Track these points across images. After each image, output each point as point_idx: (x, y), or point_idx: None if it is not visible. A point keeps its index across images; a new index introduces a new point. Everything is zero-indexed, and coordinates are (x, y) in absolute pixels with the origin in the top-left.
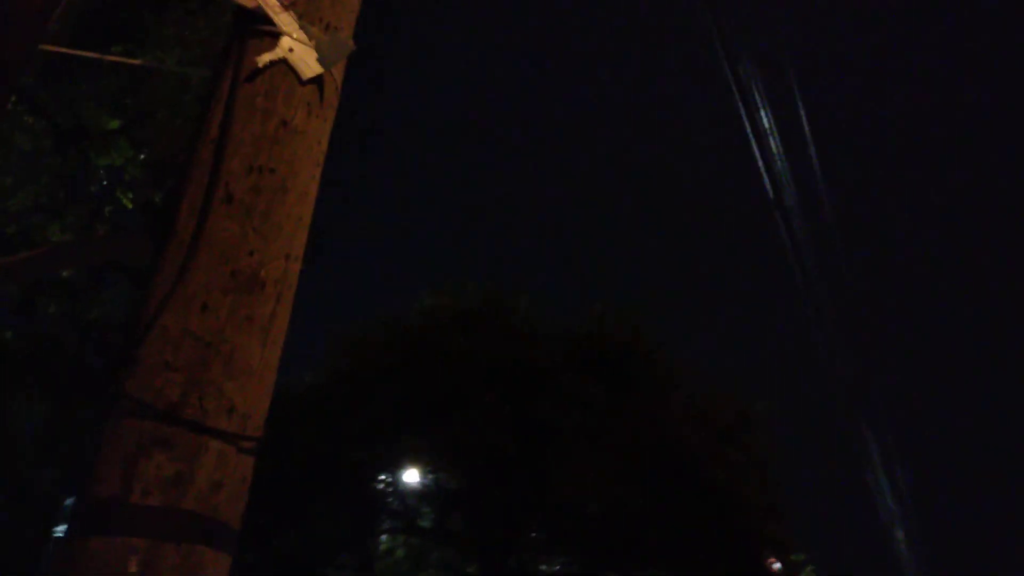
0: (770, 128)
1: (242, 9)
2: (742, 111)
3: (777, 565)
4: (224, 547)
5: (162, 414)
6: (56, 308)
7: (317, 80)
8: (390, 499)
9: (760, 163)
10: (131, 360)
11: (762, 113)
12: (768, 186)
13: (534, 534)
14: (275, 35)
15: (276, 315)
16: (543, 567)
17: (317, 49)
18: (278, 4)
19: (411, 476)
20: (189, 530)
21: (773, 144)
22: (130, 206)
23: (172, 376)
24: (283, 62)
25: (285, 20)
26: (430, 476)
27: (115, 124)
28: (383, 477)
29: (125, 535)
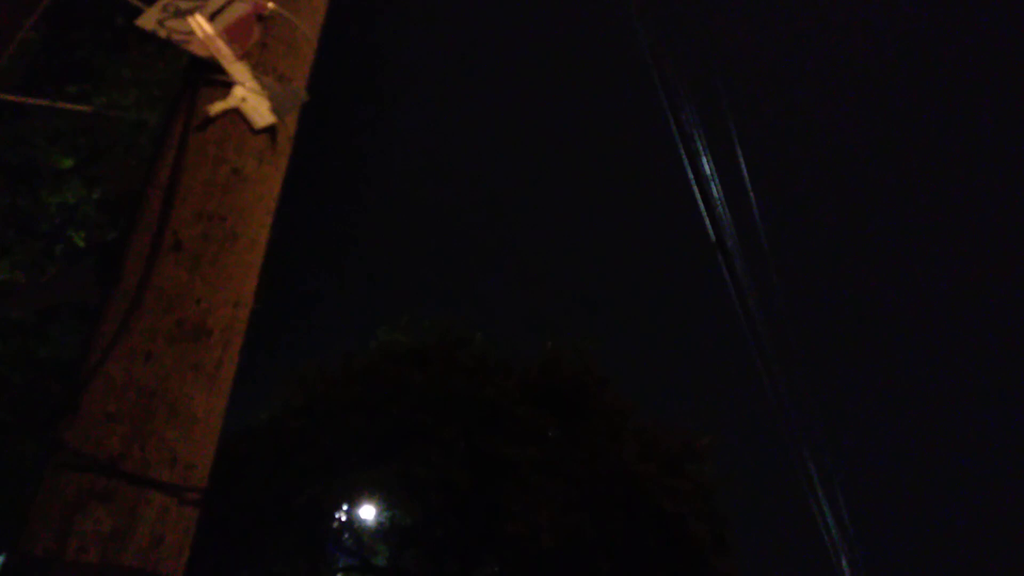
0: (711, 173)
1: (196, 59)
2: (684, 158)
3: None
4: None
5: (102, 466)
6: (2, 346)
7: (270, 129)
8: (345, 537)
9: (702, 207)
10: (72, 409)
11: (703, 159)
12: (710, 228)
13: (488, 568)
14: (228, 84)
15: (223, 363)
16: None
17: (271, 99)
18: (232, 54)
19: (367, 512)
20: None
21: (715, 189)
22: (82, 244)
23: (114, 427)
24: (236, 111)
25: (239, 70)
26: (385, 512)
27: (68, 163)
28: (338, 515)
29: None
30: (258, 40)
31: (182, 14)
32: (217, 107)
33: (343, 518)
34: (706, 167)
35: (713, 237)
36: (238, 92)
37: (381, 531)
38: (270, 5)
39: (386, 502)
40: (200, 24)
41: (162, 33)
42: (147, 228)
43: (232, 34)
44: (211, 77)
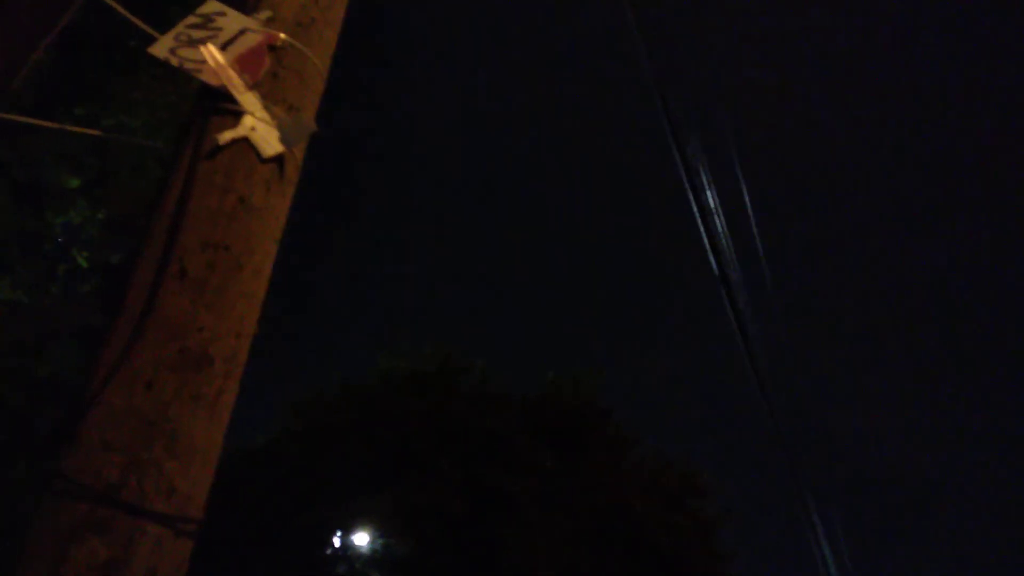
0: (715, 207)
1: (206, 87)
2: (688, 191)
3: None
4: None
5: (98, 496)
6: (1, 365)
7: (278, 159)
8: (339, 564)
9: (706, 240)
10: (71, 437)
11: (708, 193)
12: (713, 261)
13: None
14: (238, 114)
15: (223, 392)
16: None
17: (279, 129)
18: (242, 84)
19: (361, 539)
20: None
21: (719, 222)
22: (85, 265)
23: (112, 456)
24: (245, 140)
25: (248, 100)
26: (380, 540)
27: (75, 183)
28: (332, 541)
29: None
30: (269, 70)
31: (194, 43)
32: (226, 136)
33: (337, 544)
34: (710, 200)
35: (716, 269)
36: (247, 122)
37: (375, 559)
38: (282, 36)
39: (381, 530)
40: (212, 53)
41: (174, 61)
42: (152, 255)
43: (243, 64)
44: (221, 106)
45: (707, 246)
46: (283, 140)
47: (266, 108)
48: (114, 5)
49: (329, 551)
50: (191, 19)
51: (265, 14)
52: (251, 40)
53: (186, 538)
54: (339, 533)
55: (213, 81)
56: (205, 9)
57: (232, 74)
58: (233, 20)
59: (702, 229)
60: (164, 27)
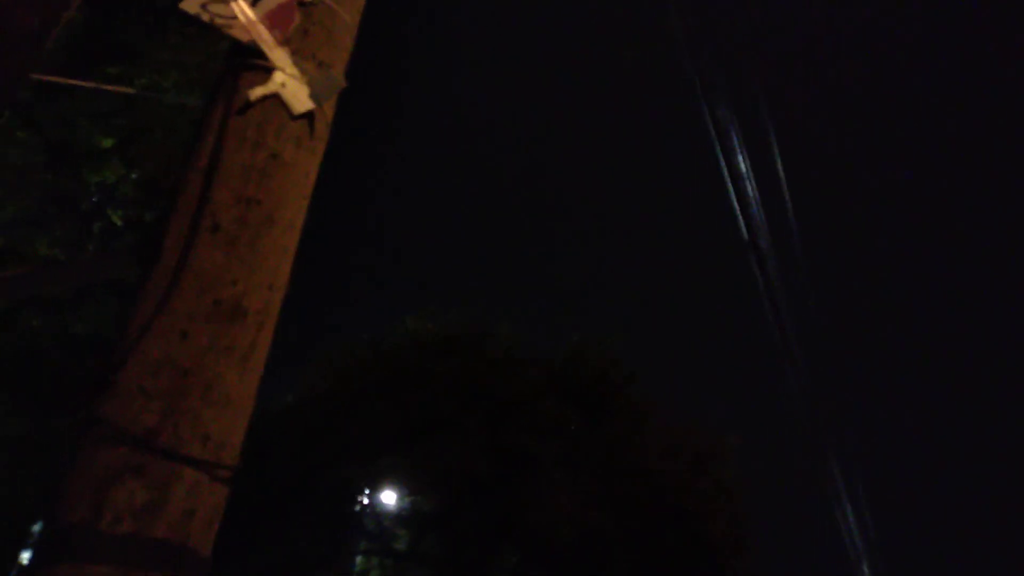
0: (747, 172)
1: (237, 43)
2: (720, 155)
3: None
4: (195, 574)
5: (136, 441)
6: (40, 321)
7: (308, 115)
8: (366, 520)
9: (736, 205)
10: (108, 385)
11: (739, 157)
12: (743, 227)
13: (508, 559)
14: (268, 70)
15: (256, 345)
16: None
17: (309, 85)
18: (272, 40)
19: (388, 498)
20: (159, 558)
21: (749, 187)
22: (120, 224)
23: (148, 403)
24: (275, 96)
25: (279, 56)
26: (406, 498)
27: (109, 142)
28: (360, 499)
29: (93, 562)
30: (299, 26)
31: None
32: (257, 92)
33: (365, 501)
34: (742, 165)
35: (746, 236)
36: (278, 78)
37: (402, 516)
38: None
39: (407, 488)
40: (242, 9)
41: (205, 17)
42: (186, 210)
43: (273, 20)
44: (252, 62)
45: (737, 212)
46: (313, 96)
47: (296, 64)
48: None
49: (357, 508)
50: None
51: None
52: None
53: (222, 484)
54: (367, 491)
55: (243, 37)
56: None
57: (262, 30)
58: None
59: (732, 194)
60: None
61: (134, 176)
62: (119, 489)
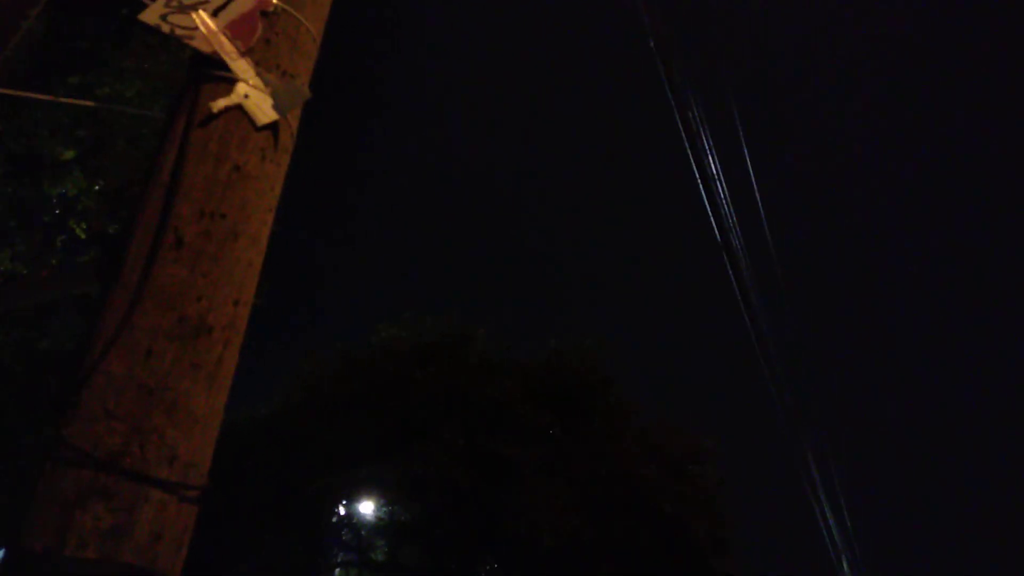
0: (717, 173)
1: (199, 54)
2: (691, 157)
3: None
4: None
5: (101, 463)
6: (3, 337)
7: (272, 126)
8: (343, 531)
9: (707, 206)
10: (71, 406)
11: (709, 158)
12: (715, 228)
13: (488, 567)
14: (231, 81)
15: (223, 360)
16: None
17: (273, 96)
18: (235, 51)
19: (365, 508)
20: None
21: (720, 188)
22: (83, 236)
23: (113, 424)
24: (238, 108)
25: (241, 66)
26: (384, 508)
27: (70, 154)
28: (336, 510)
29: None
30: (261, 36)
31: (185, 9)
32: (219, 104)
33: (342, 512)
34: (712, 166)
35: (719, 237)
36: (241, 89)
37: (380, 527)
38: (274, 1)
39: (385, 498)
40: (203, 20)
41: (165, 28)
42: (148, 225)
43: (236, 30)
44: (214, 73)
45: (709, 213)
46: (276, 107)
47: (259, 75)
48: None
49: (334, 519)
50: None
51: None
52: (243, 5)
53: (190, 504)
54: (344, 502)
55: (205, 48)
56: None
57: (224, 40)
58: None
59: (704, 195)
60: None
61: (97, 188)
62: (84, 513)
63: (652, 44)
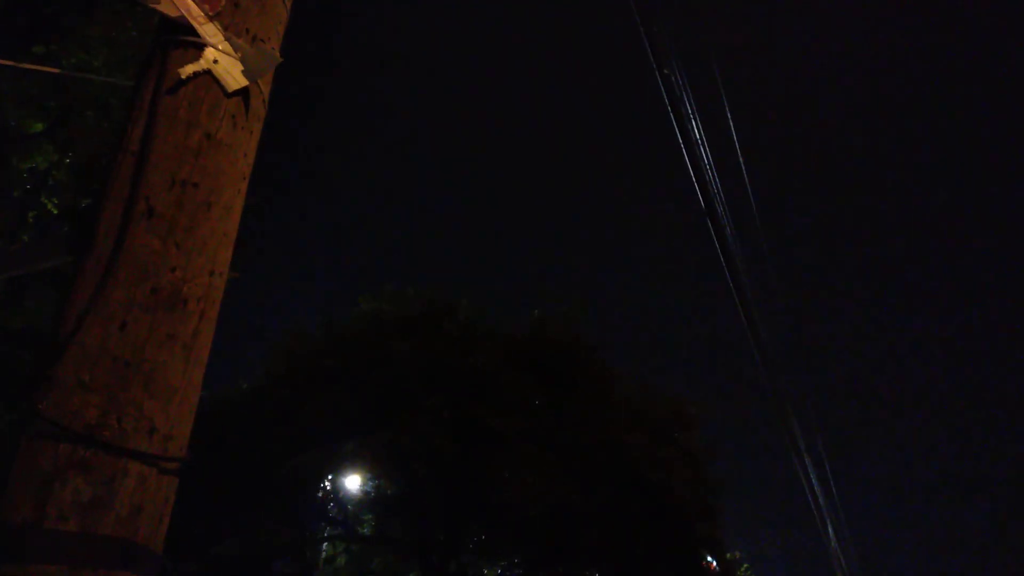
0: (700, 138)
1: (166, 19)
2: (673, 122)
3: (714, 564)
4: (145, 571)
5: (79, 436)
6: None
7: (243, 92)
8: (330, 506)
9: (691, 172)
10: (46, 379)
11: (692, 123)
12: (699, 195)
13: (475, 537)
14: (199, 46)
15: (199, 332)
16: (485, 570)
17: (243, 61)
18: (203, 15)
19: (352, 482)
20: (108, 555)
21: (704, 153)
22: (55, 211)
23: (89, 397)
24: (207, 73)
25: (210, 31)
26: (370, 482)
27: (39, 127)
28: (322, 485)
29: (40, 562)
30: (230, 0)
31: None
32: (188, 69)
33: (328, 486)
34: (695, 131)
35: (702, 202)
36: (209, 54)
37: (367, 500)
38: None
39: (371, 471)
40: None
41: None
42: (119, 195)
43: None
44: (181, 39)
45: (692, 177)
46: (247, 72)
47: (228, 40)
48: None
49: (320, 494)
50: None
51: None
52: None
53: (170, 476)
54: (329, 476)
55: (171, 12)
56: None
57: (191, 4)
58: None
59: (687, 160)
60: None
61: (68, 160)
62: (63, 486)
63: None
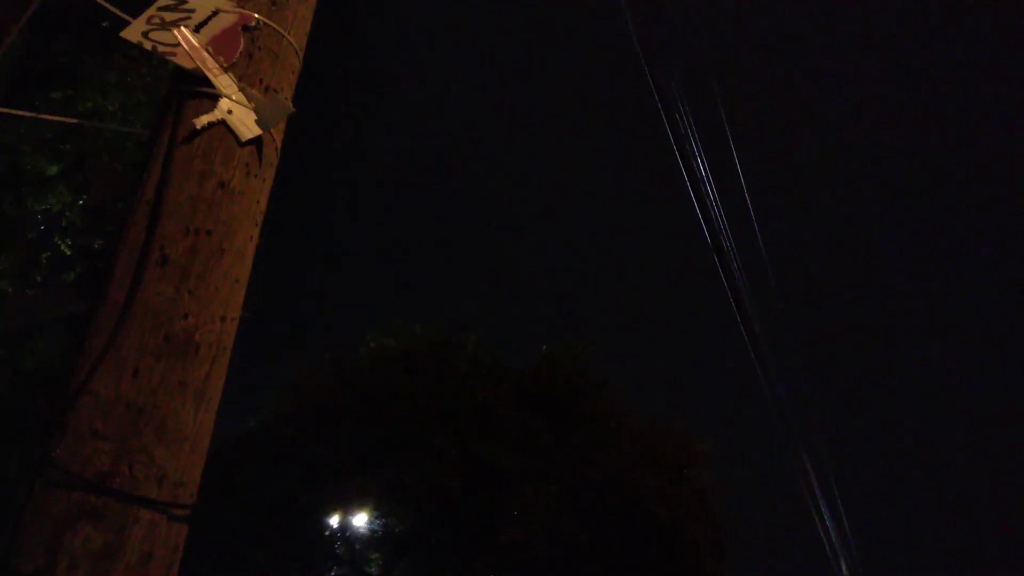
0: (706, 175)
1: (181, 70)
2: (679, 159)
3: None
4: None
5: (90, 484)
6: None
7: (256, 141)
8: (337, 545)
9: (696, 208)
10: (59, 427)
11: (698, 161)
12: (705, 230)
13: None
14: (214, 97)
15: (210, 378)
16: None
17: (256, 111)
18: (217, 66)
19: (359, 520)
20: None
21: (709, 190)
22: (68, 252)
23: (101, 444)
24: (221, 124)
25: (224, 82)
26: (378, 520)
27: (54, 169)
28: (329, 523)
29: None
30: (244, 51)
31: (167, 26)
32: (202, 120)
33: (335, 525)
34: (700, 168)
35: (709, 239)
36: (224, 104)
37: (374, 539)
38: (256, 16)
39: (378, 510)
40: (185, 36)
41: (147, 45)
42: (134, 243)
43: (218, 46)
44: (197, 89)
45: (698, 215)
46: (260, 122)
47: (242, 90)
48: None
49: (327, 532)
50: (163, 1)
51: None
52: (225, 21)
53: (180, 523)
54: (336, 515)
55: (187, 64)
56: None
57: (206, 56)
58: (206, 1)
59: (693, 197)
60: (137, 9)
61: (81, 202)
62: (74, 534)
63: (636, 45)
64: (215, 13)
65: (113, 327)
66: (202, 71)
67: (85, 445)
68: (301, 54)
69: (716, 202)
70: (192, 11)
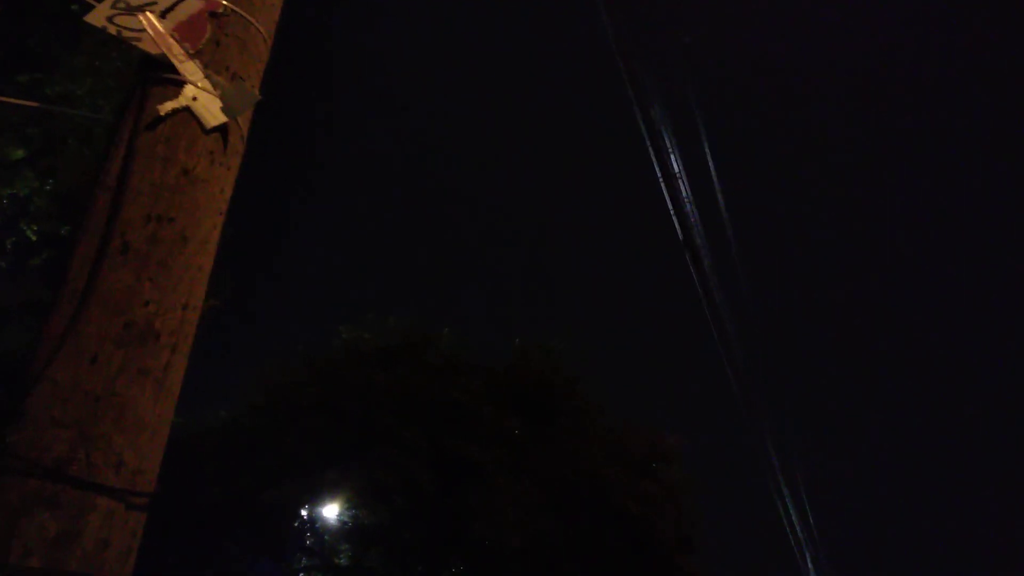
0: (679, 171)
1: (147, 56)
2: (652, 155)
3: None
4: None
5: (47, 471)
6: None
7: (221, 128)
8: (307, 536)
9: (670, 205)
10: (17, 414)
11: (671, 157)
12: (678, 227)
13: (454, 569)
14: (179, 83)
15: (171, 366)
16: None
17: (222, 98)
18: (183, 52)
19: (329, 512)
20: None
21: (683, 187)
22: (34, 238)
23: (59, 432)
24: (186, 110)
25: (190, 68)
26: (348, 513)
27: (20, 154)
28: (300, 514)
29: None
30: (211, 38)
31: (133, 11)
32: (167, 106)
33: (305, 517)
34: (674, 164)
35: (681, 236)
36: (189, 91)
37: (344, 531)
38: (223, 2)
39: (349, 502)
40: (151, 21)
41: (112, 30)
42: (95, 230)
43: (184, 32)
44: (162, 76)
45: (671, 211)
46: (226, 110)
47: (208, 77)
48: None
49: (297, 524)
50: None
51: None
52: (191, 7)
53: (138, 511)
54: (307, 507)
55: (152, 50)
56: None
57: (172, 42)
58: None
59: (666, 194)
60: None
61: (48, 188)
62: (29, 521)
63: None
64: None
65: (72, 314)
66: (168, 57)
67: (43, 432)
68: (270, 42)
69: (689, 198)
70: None
